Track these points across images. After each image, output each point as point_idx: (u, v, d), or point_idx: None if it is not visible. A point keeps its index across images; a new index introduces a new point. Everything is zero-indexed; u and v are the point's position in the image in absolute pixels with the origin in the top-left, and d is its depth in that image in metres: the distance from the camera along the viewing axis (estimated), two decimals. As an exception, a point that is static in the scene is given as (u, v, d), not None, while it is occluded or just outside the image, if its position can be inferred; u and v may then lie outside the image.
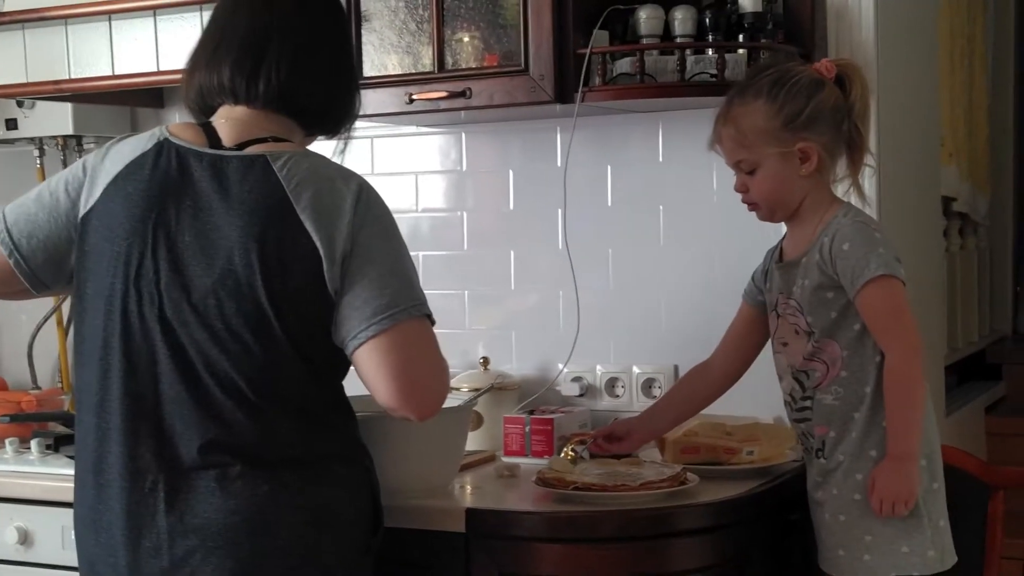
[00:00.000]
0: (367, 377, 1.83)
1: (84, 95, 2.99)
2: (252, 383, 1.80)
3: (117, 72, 2.87)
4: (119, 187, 1.88)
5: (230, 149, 1.87)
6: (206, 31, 1.98)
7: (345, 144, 2.06)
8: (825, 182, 2.18)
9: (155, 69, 2.82)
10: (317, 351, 1.85)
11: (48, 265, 1.94)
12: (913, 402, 2.07)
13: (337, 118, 2.01)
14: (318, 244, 1.80)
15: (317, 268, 1.80)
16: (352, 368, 1.88)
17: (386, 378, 1.80)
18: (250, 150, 1.87)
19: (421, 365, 1.84)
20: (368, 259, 1.82)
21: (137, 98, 3.09)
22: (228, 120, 1.91)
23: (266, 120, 1.92)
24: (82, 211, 1.91)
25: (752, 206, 2.22)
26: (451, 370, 2.78)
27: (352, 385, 2.27)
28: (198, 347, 1.81)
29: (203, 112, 1.96)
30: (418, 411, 1.85)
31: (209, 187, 1.84)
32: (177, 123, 1.95)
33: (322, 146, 1.99)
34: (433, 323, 1.88)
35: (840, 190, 2.23)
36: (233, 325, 1.80)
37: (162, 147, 1.89)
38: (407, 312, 1.81)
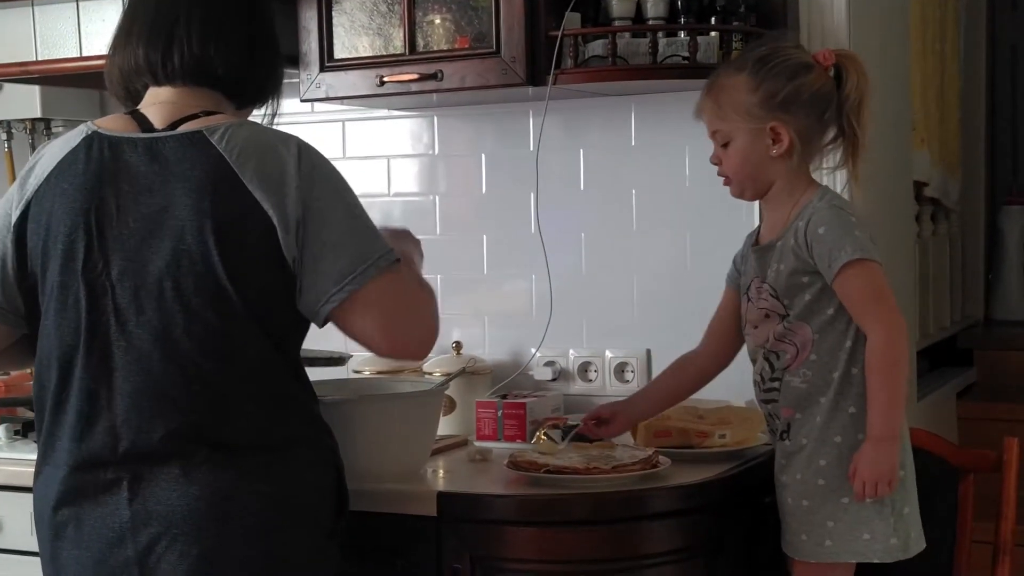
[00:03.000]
0: (356, 336, 1.85)
1: (52, 77, 2.95)
2: (217, 363, 1.79)
3: (85, 54, 2.83)
4: (52, 186, 1.85)
5: (163, 130, 1.85)
6: (122, 17, 1.96)
7: (272, 117, 2.03)
8: (800, 167, 2.16)
9: (123, 51, 2.79)
10: (278, 325, 1.83)
11: (7, 290, 1.89)
12: (896, 382, 2.06)
13: (259, 86, 1.98)
14: (270, 212, 1.78)
15: (272, 237, 1.78)
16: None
17: (376, 333, 1.84)
18: (184, 128, 1.84)
19: (404, 312, 1.86)
20: (325, 222, 1.81)
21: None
22: (155, 104, 1.90)
23: (193, 97, 1.90)
24: (14, 217, 1.88)
25: (725, 180, 2.21)
26: (423, 355, 2.83)
27: (322, 370, 2.27)
28: (157, 334, 1.78)
29: (129, 98, 1.94)
30: (414, 355, 1.93)
31: (148, 170, 1.82)
32: (103, 117, 1.93)
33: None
34: (398, 260, 1.87)
35: (838, 181, 2.23)
36: (193, 305, 1.78)
37: (92, 140, 1.86)
38: (375, 267, 1.82)
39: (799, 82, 2.12)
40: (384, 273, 1.83)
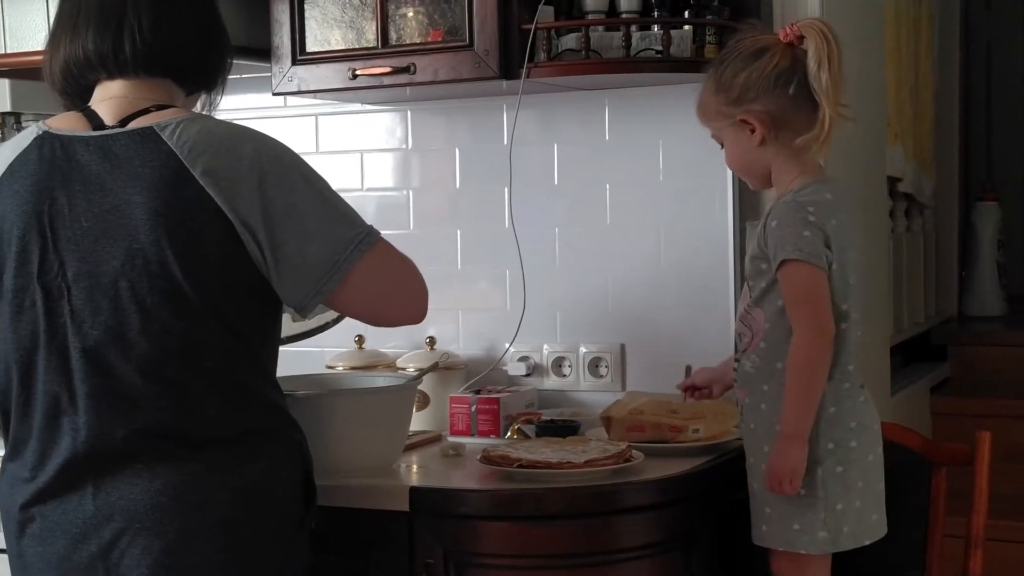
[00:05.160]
0: (358, 314, 1.91)
1: (22, 71, 2.92)
2: (176, 361, 1.76)
3: (55, 47, 2.80)
4: (4, 188, 1.82)
5: (114, 127, 1.82)
6: (61, 9, 1.92)
7: (212, 106, 2.00)
8: (787, 150, 2.15)
9: (94, 44, 2.77)
10: (242, 319, 1.81)
11: None
12: (806, 386, 2.08)
13: (210, 69, 1.95)
14: (224, 208, 1.75)
15: (230, 232, 1.75)
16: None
17: (375, 306, 1.90)
18: (134, 124, 1.81)
19: (396, 281, 1.90)
20: (301, 214, 1.78)
21: (76, 75, 3.03)
22: (106, 99, 1.86)
23: (145, 89, 1.86)
24: None
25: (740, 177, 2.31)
26: (397, 350, 2.82)
27: (295, 365, 2.26)
28: (114, 334, 1.75)
29: (76, 94, 1.90)
30: (412, 318, 1.98)
31: (101, 169, 1.78)
32: (55, 116, 1.89)
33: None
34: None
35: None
36: (148, 305, 1.75)
37: (43, 140, 1.82)
38: (358, 249, 1.81)
39: (752, 68, 2.13)
40: (368, 251, 1.83)
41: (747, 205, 2.60)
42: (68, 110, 1.91)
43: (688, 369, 2.45)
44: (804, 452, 2.09)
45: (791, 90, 2.12)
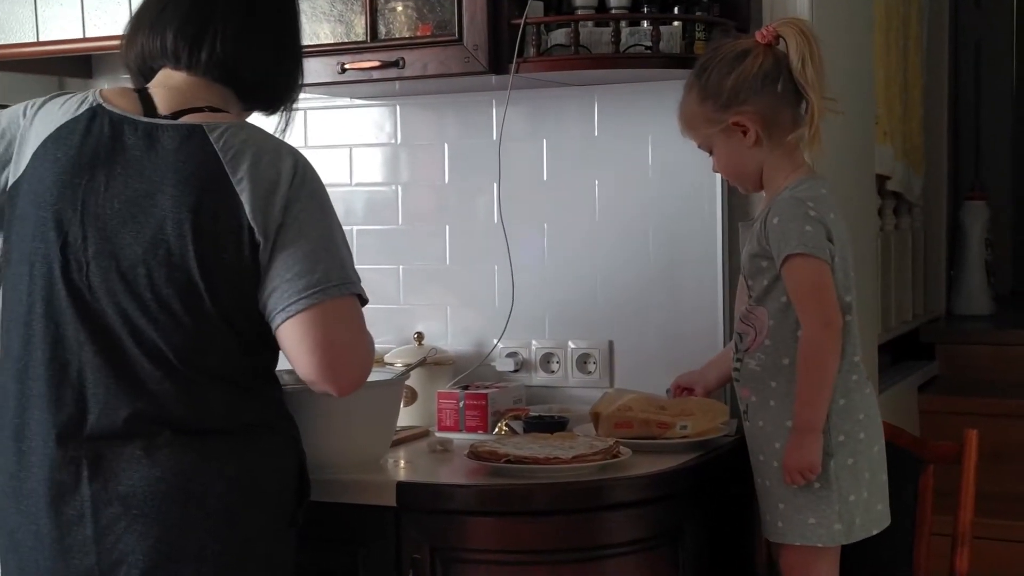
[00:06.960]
0: (288, 350, 1.82)
1: (9, 63, 2.92)
2: (180, 354, 1.78)
3: (42, 39, 2.80)
4: (48, 151, 1.84)
5: (165, 117, 1.84)
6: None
7: (287, 123, 2.03)
8: (780, 148, 2.19)
9: (81, 36, 2.76)
10: (248, 324, 1.82)
11: None
12: (818, 378, 2.10)
13: (276, 93, 1.98)
14: (251, 218, 1.77)
15: (251, 241, 1.77)
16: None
17: (307, 352, 1.79)
18: (186, 119, 1.83)
19: (343, 342, 1.82)
20: (300, 233, 1.79)
21: (65, 67, 3.02)
22: (166, 87, 1.88)
23: (204, 89, 1.89)
24: (12, 179, 1.87)
25: (730, 182, 2.34)
26: (385, 345, 2.81)
27: (283, 359, 2.25)
28: (125, 316, 1.77)
29: (142, 74, 1.93)
30: (336, 386, 1.83)
31: (143, 156, 1.81)
32: (111, 88, 1.91)
33: (265, 123, 1.96)
34: (365, 302, 1.87)
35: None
36: (163, 295, 1.77)
37: (95, 113, 1.85)
38: (337, 289, 1.80)
39: (738, 71, 2.16)
40: (346, 297, 1.81)
41: (736, 202, 2.60)
42: (131, 84, 1.94)
43: (668, 392, 2.47)
44: (820, 444, 2.11)
45: (779, 88, 2.16)
